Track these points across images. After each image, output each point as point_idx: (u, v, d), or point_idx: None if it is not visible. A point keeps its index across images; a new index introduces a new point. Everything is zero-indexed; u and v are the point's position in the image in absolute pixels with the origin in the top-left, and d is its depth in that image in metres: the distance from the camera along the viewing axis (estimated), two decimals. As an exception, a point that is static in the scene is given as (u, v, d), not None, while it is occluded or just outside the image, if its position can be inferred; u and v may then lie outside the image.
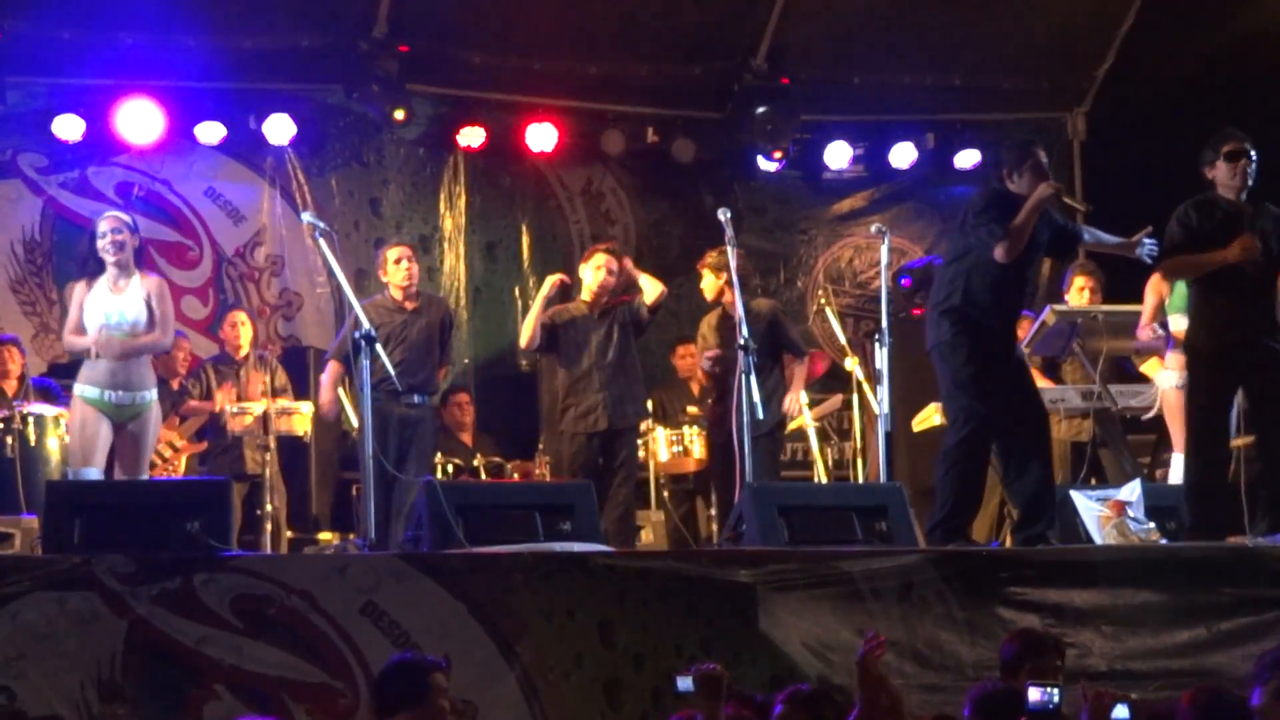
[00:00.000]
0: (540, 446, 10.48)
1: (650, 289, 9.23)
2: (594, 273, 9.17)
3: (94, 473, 7.74)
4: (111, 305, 7.87)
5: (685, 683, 4.94)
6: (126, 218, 8.09)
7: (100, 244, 7.89)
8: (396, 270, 9.07)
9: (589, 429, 9.02)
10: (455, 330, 9.60)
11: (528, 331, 9.22)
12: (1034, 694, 4.37)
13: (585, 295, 9.25)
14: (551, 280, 9.21)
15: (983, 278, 7.36)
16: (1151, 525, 7.72)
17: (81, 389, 7.84)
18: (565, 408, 9.15)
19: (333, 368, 9.21)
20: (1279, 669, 4.36)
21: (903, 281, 11.42)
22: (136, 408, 7.88)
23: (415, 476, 8.37)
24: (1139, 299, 8.47)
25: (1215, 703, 4.40)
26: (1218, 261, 7.35)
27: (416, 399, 8.95)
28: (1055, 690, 4.38)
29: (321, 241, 7.92)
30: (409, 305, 9.08)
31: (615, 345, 9.15)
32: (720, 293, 9.21)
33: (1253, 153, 7.47)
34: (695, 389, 10.82)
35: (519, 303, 12.18)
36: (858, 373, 9.69)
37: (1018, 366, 7.60)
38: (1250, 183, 7.49)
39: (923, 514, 7.86)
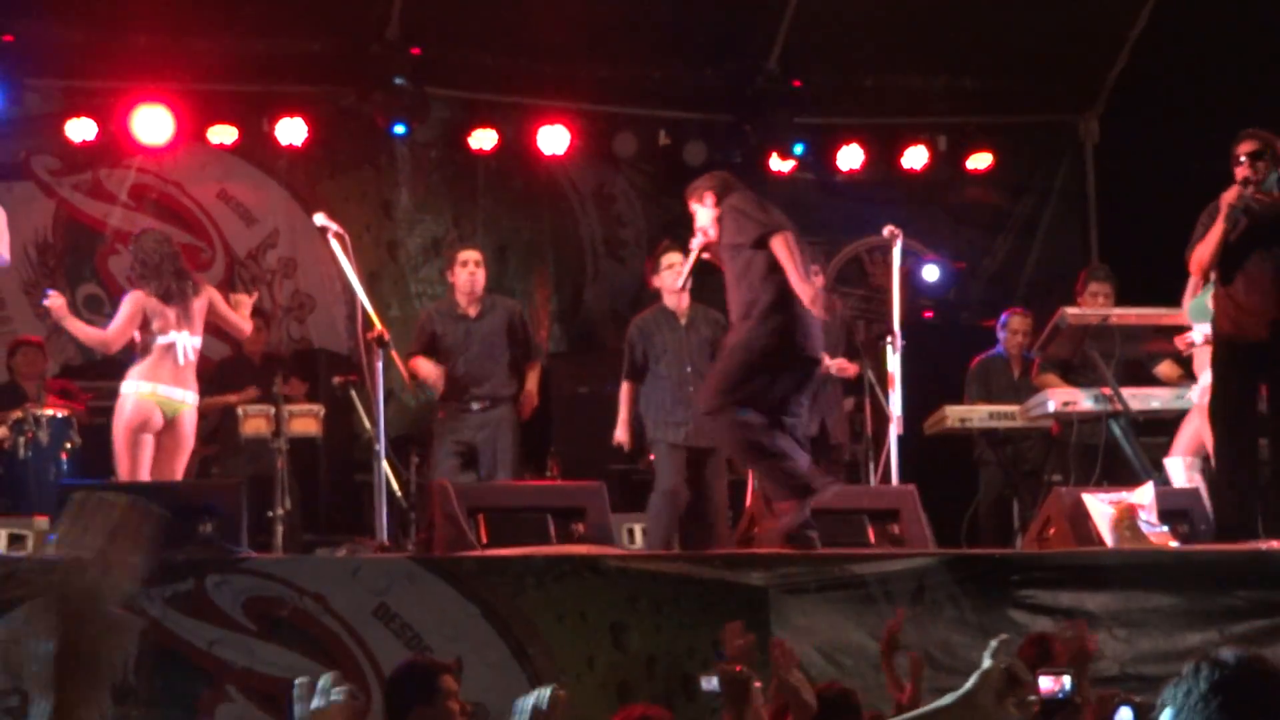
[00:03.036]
0: (551, 449, 10.47)
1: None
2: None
3: None
4: None
5: (710, 683, 4.68)
6: None
7: None
8: (460, 273, 9.09)
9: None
10: (530, 328, 9.53)
11: None
12: (1045, 683, 4.13)
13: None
14: None
15: None
16: (1164, 528, 7.70)
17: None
18: None
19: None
20: None
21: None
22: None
23: (498, 478, 8.48)
24: (1152, 303, 8.45)
25: None
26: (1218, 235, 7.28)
27: (485, 405, 8.92)
28: (1067, 678, 4.18)
29: (334, 244, 7.92)
30: (471, 312, 9.08)
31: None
32: None
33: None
34: None
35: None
36: (869, 375, 9.67)
37: None
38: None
39: (933, 516, 7.85)
